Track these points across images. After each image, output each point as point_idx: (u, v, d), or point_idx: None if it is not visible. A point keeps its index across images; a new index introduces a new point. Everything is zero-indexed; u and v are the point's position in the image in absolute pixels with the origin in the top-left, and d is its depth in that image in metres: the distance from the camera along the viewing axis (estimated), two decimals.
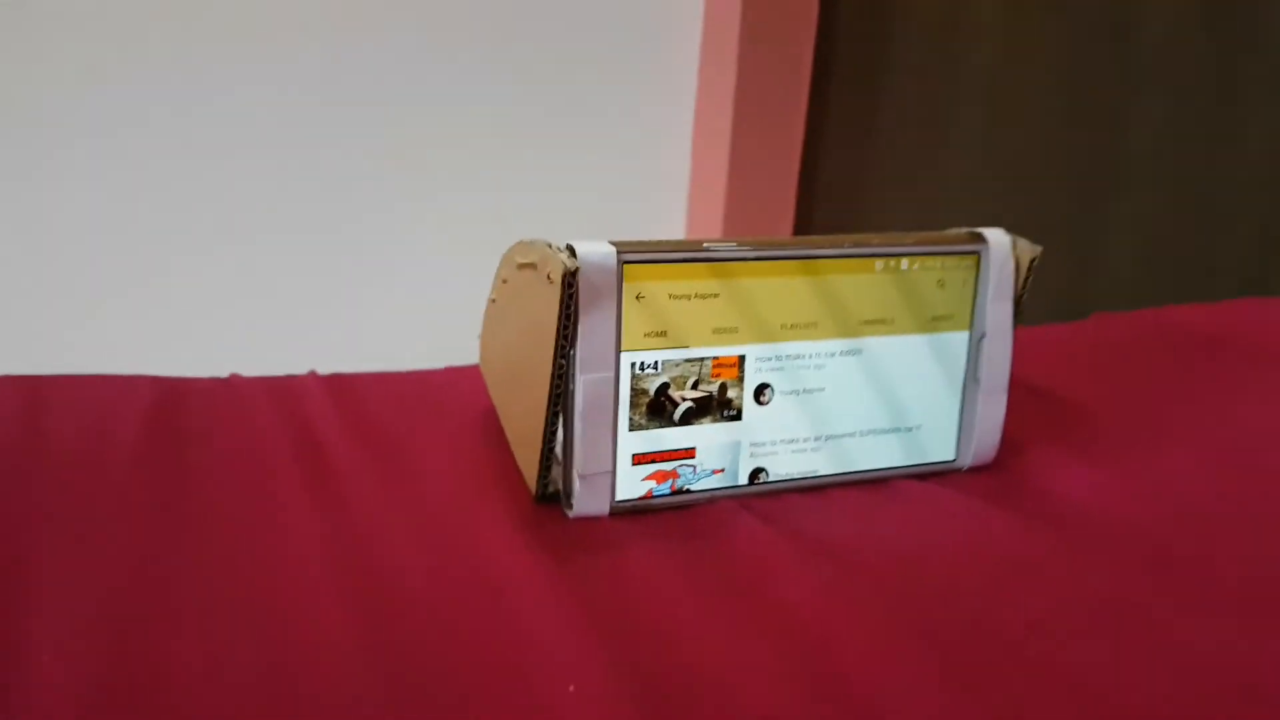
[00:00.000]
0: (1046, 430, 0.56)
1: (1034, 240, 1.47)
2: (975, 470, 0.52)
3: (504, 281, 0.48)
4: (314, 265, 1.13)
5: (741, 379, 0.46)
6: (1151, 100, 1.40)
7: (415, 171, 1.14)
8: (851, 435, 0.49)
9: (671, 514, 0.45)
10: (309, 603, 0.36)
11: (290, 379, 0.60)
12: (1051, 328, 0.83)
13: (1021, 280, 0.50)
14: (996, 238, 0.49)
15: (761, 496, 0.47)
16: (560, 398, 0.43)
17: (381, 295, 1.16)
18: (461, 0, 1.10)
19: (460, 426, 0.54)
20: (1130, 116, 1.41)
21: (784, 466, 0.48)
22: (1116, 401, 0.62)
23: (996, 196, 1.42)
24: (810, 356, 0.47)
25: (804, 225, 1.36)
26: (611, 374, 0.43)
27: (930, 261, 0.48)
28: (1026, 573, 0.41)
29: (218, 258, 1.09)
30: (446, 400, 0.57)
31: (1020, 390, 0.64)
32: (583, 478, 0.44)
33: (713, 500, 0.46)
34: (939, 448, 0.51)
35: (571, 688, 0.31)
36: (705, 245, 0.44)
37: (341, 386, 0.58)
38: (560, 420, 0.44)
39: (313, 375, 0.60)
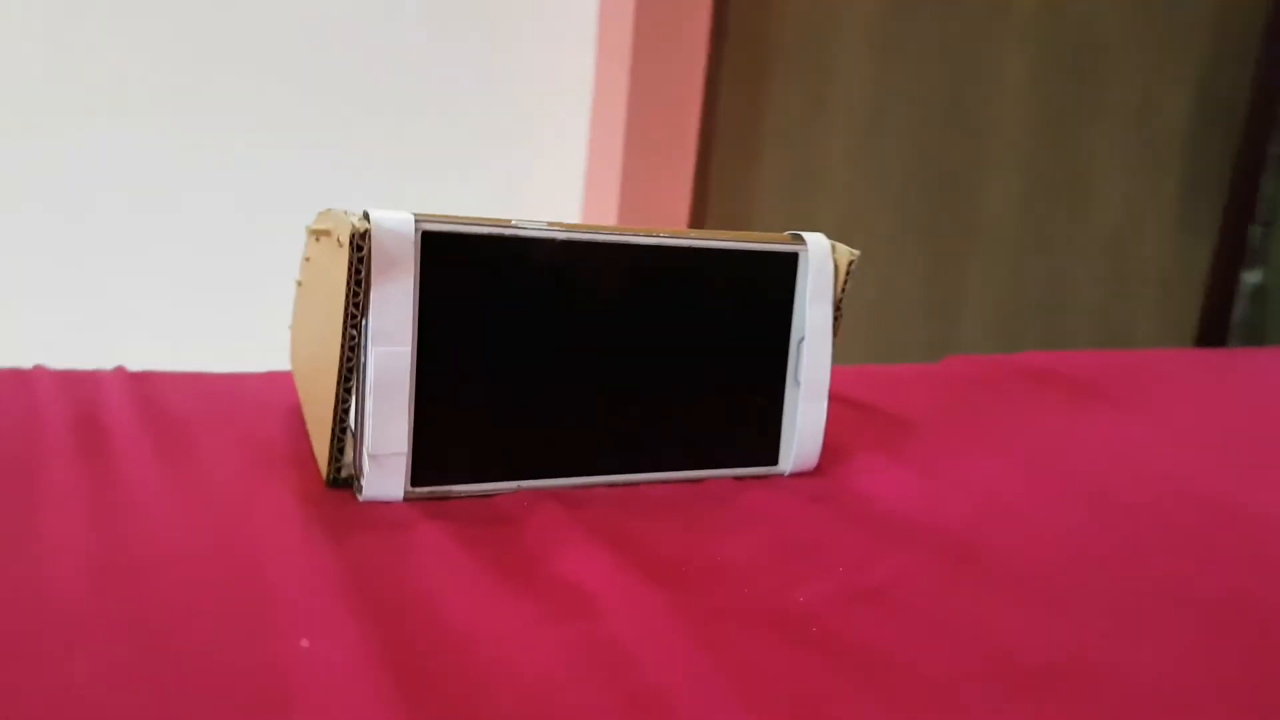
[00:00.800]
0: (876, 442, 0.56)
1: (897, 303, 1.51)
2: (797, 476, 0.51)
3: (307, 259, 0.46)
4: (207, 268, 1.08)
5: None
6: (1003, 170, 1.47)
7: (294, 166, 1.12)
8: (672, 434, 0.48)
9: (472, 502, 0.43)
10: (63, 573, 0.33)
11: (94, 373, 0.56)
12: (903, 366, 0.84)
13: (840, 283, 0.51)
14: (816, 240, 0.50)
15: (573, 490, 0.45)
16: (353, 372, 0.41)
17: (264, 302, 1.12)
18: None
19: (263, 420, 0.51)
20: (983, 185, 1.47)
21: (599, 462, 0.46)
22: (948, 422, 0.63)
23: (861, 249, 1.46)
24: None
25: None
26: (408, 349, 0.41)
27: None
28: (822, 561, 0.40)
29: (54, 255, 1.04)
30: (256, 398, 0.54)
31: (856, 410, 0.64)
32: (374, 458, 0.41)
33: (519, 491, 0.44)
34: (761, 451, 0.50)
35: (304, 642, 0.29)
36: (514, 223, 0.43)
37: (146, 381, 0.55)
38: (354, 397, 0.42)
39: (120, 370, 0.57)
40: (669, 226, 1.30)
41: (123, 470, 0.42)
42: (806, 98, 1.37)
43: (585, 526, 0.40)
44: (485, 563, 0.36)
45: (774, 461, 0.51)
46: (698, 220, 1.37)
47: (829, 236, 1.49)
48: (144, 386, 0.53)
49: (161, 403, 0.51)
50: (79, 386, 0.52)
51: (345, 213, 0.41)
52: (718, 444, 0.49)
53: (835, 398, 0.66)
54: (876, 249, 1.48)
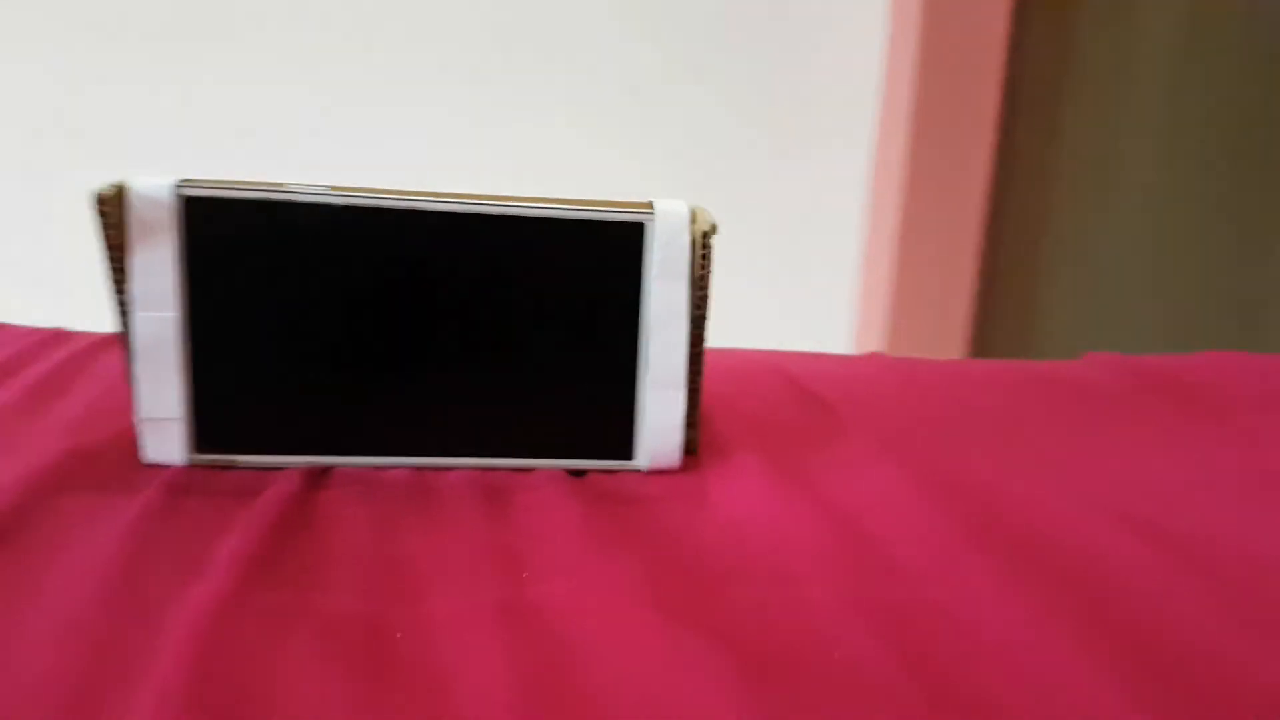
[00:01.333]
0: (792, 446, 0.48)
1: (1202, 294, 1.29)
2: (654, 473, 0.45)
3: None
4: None
5: None
6: None
7: (590, 163, 1.25)
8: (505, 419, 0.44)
9: (250, 474, 0.43)
10: None
11: (77, 333, 0.62)
12: (1034, 363, 0.72)
13: (698, 257, 0.44)
14: (669, 208, 0.43)
15: (370, 471, 0.43)
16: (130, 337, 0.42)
17: None
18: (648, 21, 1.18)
19: None
20: None
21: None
22: (934, 434, 0.52)
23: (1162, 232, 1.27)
24: None
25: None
26: (173, 314, 0.41)
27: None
28: (515, 567, 0.35)
29: None
30: None
31: (827, 412, 0.55)
32: (147, 422, 0.42)
33: (312, 469, 0.43)
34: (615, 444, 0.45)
35: None
36: (288, 186, 0.41)
37: (97, 342, 0.60)
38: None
39: (95, 335, 0.62)
40: (960, 217, 1.22)
41: None
42: (1112, 61, 1.22)
43: (299, 507, 0.38)
44: (138, 535, 0.35)
45: (629, 455, 0.46)
46: (995, 210, 1.29)
47: (1128, 221, 1.30)
48: (90, 347, 0.58)
49: (88, 362, 0.55)
50: (10, 342, 0.58)
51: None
52: (556, 433, 0.45)
53: (829, 395, 0.58)
54: (1179, 233, 1.29)
